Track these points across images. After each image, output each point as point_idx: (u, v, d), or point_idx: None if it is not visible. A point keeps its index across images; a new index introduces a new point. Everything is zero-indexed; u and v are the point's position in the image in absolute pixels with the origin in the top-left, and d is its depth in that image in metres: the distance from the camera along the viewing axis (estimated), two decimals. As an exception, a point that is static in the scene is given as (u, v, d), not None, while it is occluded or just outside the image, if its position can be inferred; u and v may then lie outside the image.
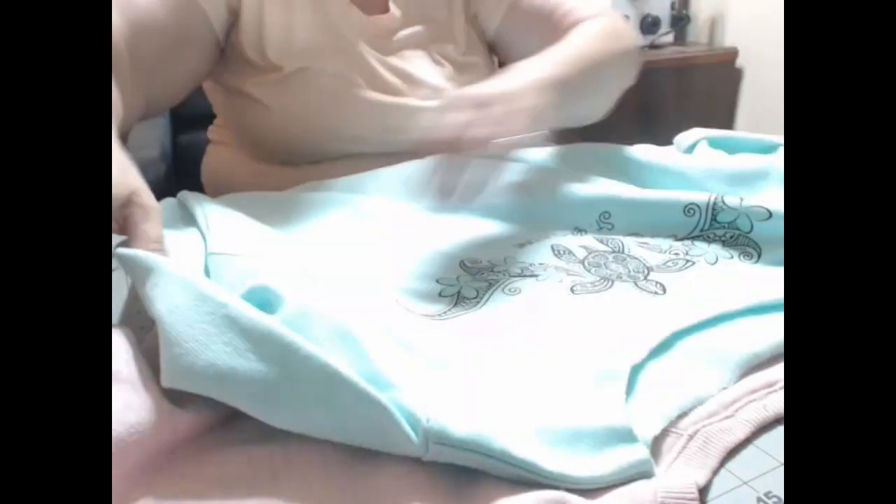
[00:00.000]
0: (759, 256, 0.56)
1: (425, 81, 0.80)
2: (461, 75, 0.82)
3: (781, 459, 0.38)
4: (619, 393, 0.39)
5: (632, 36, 0.83)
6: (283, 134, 0.78)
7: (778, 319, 0.47)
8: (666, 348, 0.44)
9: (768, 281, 0.52)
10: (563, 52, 0.70)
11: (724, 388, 0.42)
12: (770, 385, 0.42)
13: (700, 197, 0.61)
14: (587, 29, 0.77)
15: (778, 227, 0.56)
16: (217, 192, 0.72)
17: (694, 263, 0.55)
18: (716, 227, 0.59)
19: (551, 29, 0.79)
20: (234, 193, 0.67)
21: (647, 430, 0.38)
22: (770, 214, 0.57)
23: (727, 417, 0.40)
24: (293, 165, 0.78)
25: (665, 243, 0.59)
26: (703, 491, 0.35)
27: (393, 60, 0.80)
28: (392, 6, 0.80)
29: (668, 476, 0.36)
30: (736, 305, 0.48)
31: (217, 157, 0.87)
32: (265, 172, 0.79)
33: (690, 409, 0.40)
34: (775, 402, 0.41)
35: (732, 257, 0.57)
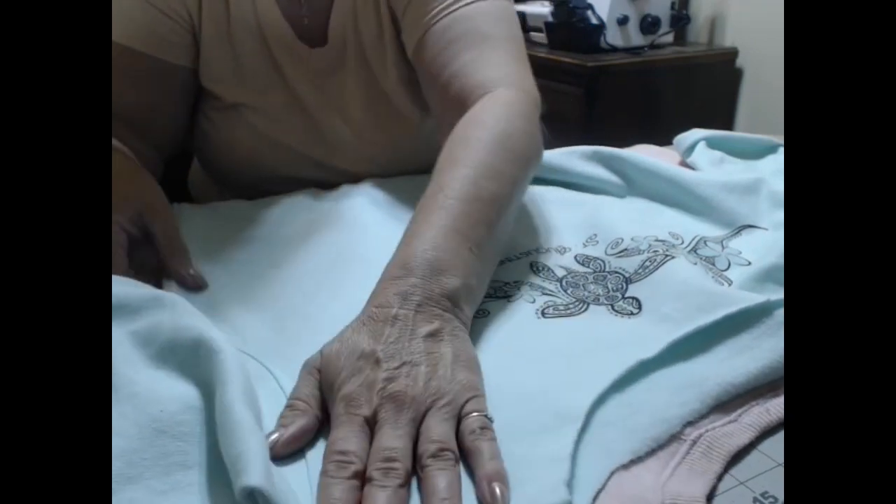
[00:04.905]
0: (730, 285, 0.54)
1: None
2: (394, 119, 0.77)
3: (778, 460, 0.37)
4: (565, 450, 0.36)
5: (531, 113, 0.61)
6: (222, 165, 0.78)
7: (756, 345, 0.44)
8: (632, 379, 0.41)
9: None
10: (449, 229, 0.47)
11: (689, 423, 0.39)
12: (773, 389, 0.42)
13: (685, 232, 0.62)
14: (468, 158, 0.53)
15: (754, 271, 0.54)
16: (198, 201, 0.73)
17: (674, 258, 0.54)
18: (693, 257, 0.57)
19: (441, 94, 0.67)
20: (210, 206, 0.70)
21: (593, 475, 0.35)
22: (749, 265, 0.57)
23: (730, 422, 0.39)
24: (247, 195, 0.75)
25: (644, 243, 0.58)
26: (708, 497, 0.35)
27: (332, 109, 0.76)
28: (329, 36, 0.74)
29: (674, 482, 0.35)
30: (712, 317, 0.44)
31: (196, 169, 0.86)
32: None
33: (648, 450, 0.37)
34: (778, 406, 0.41)
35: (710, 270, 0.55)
